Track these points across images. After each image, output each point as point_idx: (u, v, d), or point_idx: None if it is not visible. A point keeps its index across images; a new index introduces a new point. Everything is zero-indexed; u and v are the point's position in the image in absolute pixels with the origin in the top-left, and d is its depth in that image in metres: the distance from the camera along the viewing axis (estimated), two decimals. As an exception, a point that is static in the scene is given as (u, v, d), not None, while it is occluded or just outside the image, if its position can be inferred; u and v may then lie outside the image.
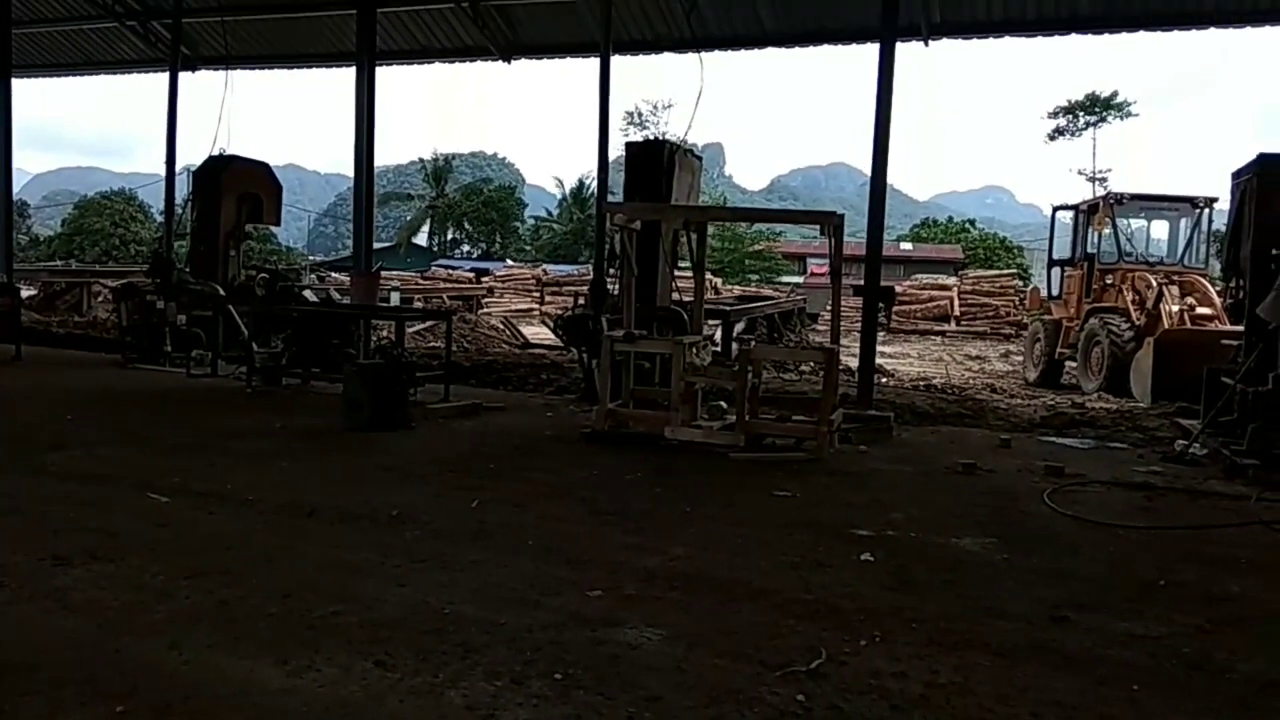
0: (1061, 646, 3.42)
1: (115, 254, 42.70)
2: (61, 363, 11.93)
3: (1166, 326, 12.42)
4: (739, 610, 3.70)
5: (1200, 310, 12.80)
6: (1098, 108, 46.22)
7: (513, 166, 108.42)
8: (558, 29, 14.18)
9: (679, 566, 4.24)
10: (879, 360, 12.41)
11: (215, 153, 13.17)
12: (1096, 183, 42.92)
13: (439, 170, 64.18)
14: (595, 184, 16.26)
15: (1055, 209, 16.02)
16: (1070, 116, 46.89)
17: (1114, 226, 14.48)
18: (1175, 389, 10.32)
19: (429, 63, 15.68)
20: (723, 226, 40.10)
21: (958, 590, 4.05)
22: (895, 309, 28.18)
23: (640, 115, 49.26)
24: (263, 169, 13.62)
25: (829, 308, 11.52)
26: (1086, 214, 14.85)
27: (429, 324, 16.86)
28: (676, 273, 9.35)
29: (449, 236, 63.38)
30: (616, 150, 12.13)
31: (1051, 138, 47.78)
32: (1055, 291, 15.75)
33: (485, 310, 26.34)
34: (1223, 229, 9.67)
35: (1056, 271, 15.79)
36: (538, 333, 20.47)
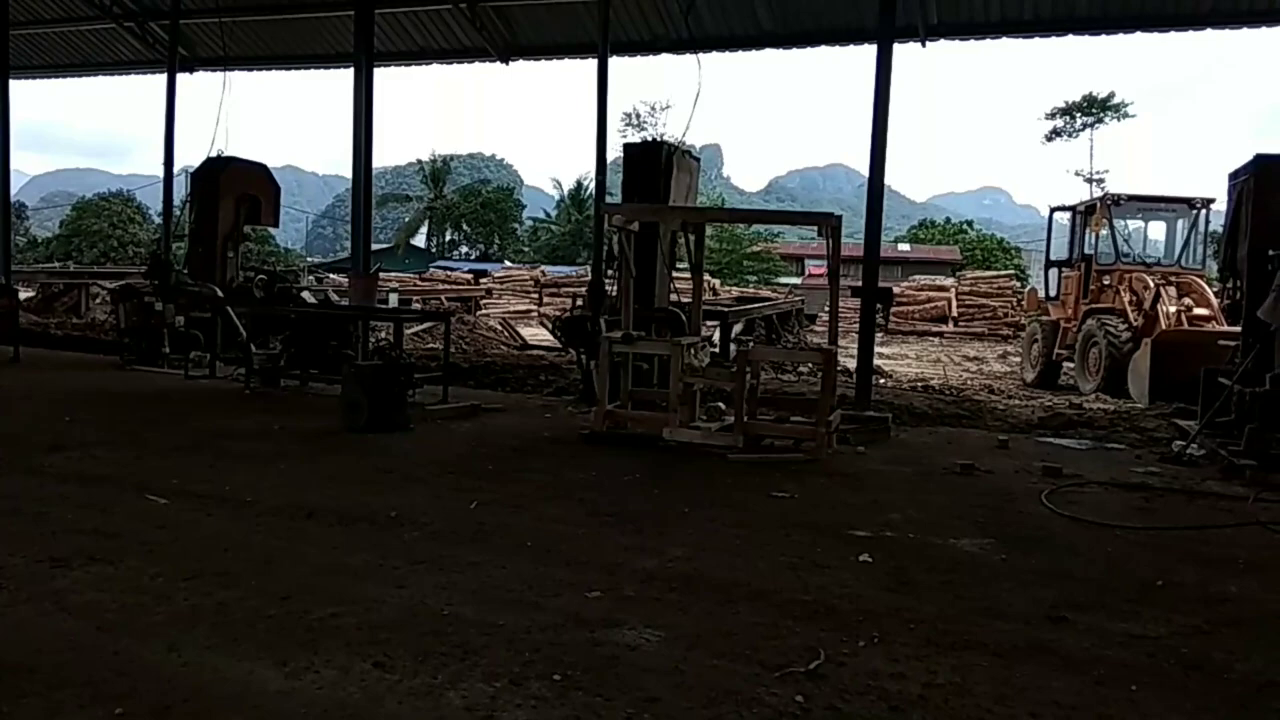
0: (1060, 647, 3.43)
1: (113, 255, 42.63)
2: (60, 364, 11.90)
3: (1164, 327, 12.41)
4: (737, 611, 3.70)
5: (1197, 311, 12.79)
6: (1095, 108, 46.19)
7: (511, 168, 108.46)
8: (556, 30, 14.22)
9: (677, 567, 4.24)
10: (877, 361, 12.40)
11: (213, 154, 13.15)
12: (1094, 184, 42.96)
13: (437, 171, 64.09)
14: (593, 185, 16.27)
15: (1053, 210, 16.06)
16: (1067, 117, 46.86)
17: (1111, 227, 14.50)
18: (1173, 390, 10.33)
19: (427, 64, 15.71)
20: (721, 228, 40.16)
21: (956, 591, 4.05)
22: (893, 310, 28.11)
23: (638, 116, 49.13)
24: (261, 170, 13.61)
25: (827, 309, 11.51)
26: (1084, 215, 14.84)
27: (427, 325, 16.84)
28: (674, 274, 9.35)
29: (447, 238, 63.31)
30: (614, 151, 12.18)
31: (1049, 139, 47.78)
32: (1053, 292, 15.76)
33: (483, 311, 26.30)
34: (1220, 230, 9.69)
35: (1054, 272, 15.78)
36: (536, 334, 20.47)
